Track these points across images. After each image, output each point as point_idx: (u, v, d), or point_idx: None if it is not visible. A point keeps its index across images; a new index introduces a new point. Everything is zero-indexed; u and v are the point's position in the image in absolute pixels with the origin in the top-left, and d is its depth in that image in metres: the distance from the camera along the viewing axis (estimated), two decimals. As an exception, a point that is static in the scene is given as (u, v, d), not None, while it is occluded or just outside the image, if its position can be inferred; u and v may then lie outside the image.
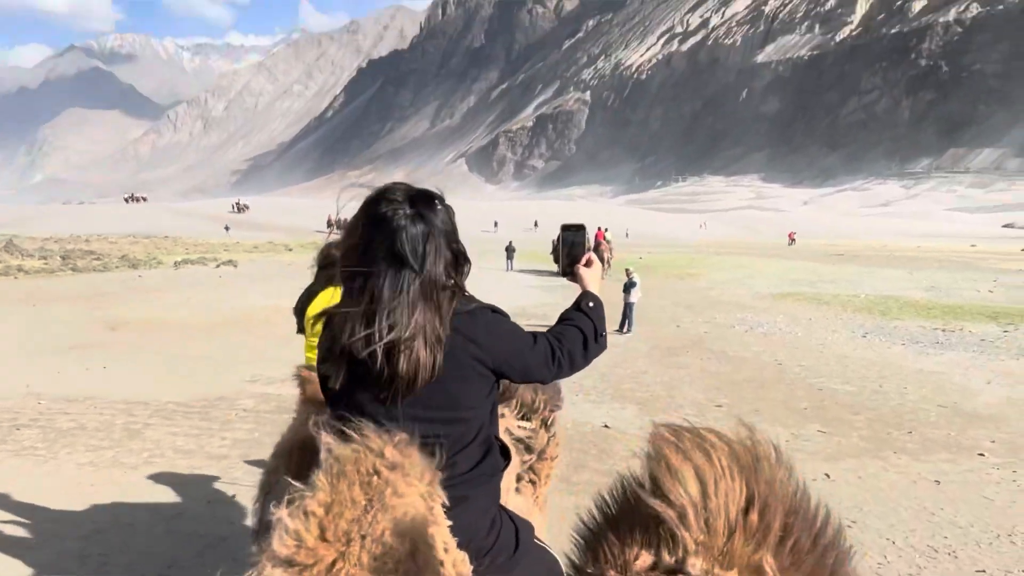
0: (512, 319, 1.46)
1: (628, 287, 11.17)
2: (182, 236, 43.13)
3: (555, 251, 23.40)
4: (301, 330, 3.33)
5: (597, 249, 20.57)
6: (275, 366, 7.42)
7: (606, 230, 27.33)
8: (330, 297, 3.20)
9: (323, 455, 1.19)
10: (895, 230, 66.10)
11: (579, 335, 1.55)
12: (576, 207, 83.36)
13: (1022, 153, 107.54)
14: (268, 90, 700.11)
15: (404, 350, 1.26)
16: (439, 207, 1.33)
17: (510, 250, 25.70)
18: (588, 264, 1.72)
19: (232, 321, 11.17)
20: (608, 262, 20.19)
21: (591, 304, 1.61)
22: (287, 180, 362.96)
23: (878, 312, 12.72)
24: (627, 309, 11.01)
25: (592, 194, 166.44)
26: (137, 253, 28.30)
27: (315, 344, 2.86)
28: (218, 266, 22.75)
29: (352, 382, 1.35)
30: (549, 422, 2.07)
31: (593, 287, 1.68)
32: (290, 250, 31.44)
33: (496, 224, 56.07)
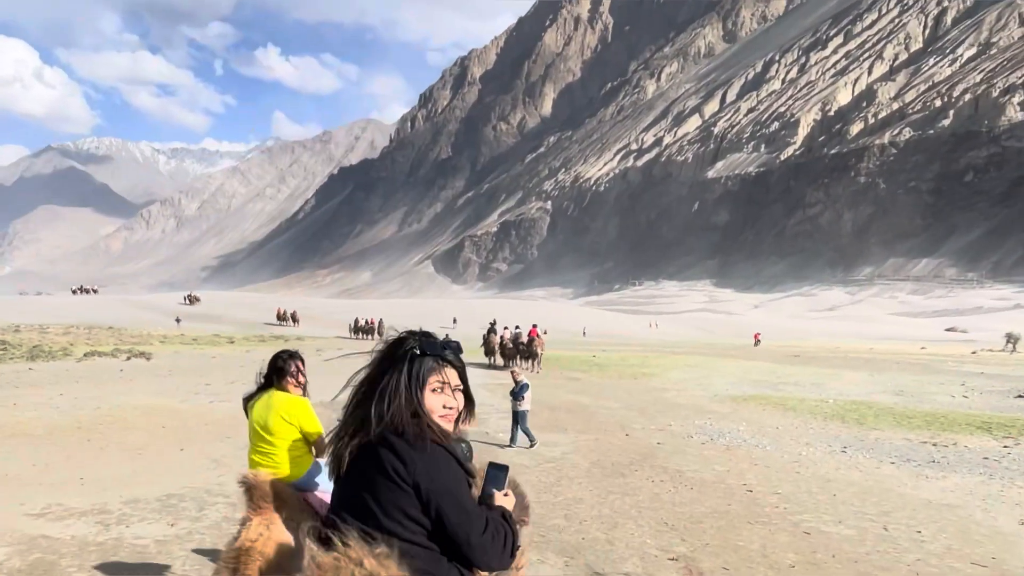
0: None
1: (516, 393, 9.26)
2: (128, 327, 42.03)
3: (486, 343, 23.92)
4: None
5: (531, 345, 21.49)
6: (82, 491, 6.07)
7: (544, 332, 28.42)
8: (267, 400, 3.29)
9: (306, 561, 1.23)
10: (843, 332, 66.77)
11: (504, 536, 1.65)
12: (537, 307, 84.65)
13: (958, 262, 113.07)
14: (241, 192, 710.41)
15: None
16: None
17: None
18: (505, 495, 1.85)
19: (79, 426, 9.75)
20: (539, 356, 21.28)
21: (510, 517, 1.73)
22: (257, 277, 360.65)
23: (852, 421, 11.46)
24: (516, 419, 9.12)
25: (553, 295, 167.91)
26: (53, 345, 26.67)
27: (260, 447, 3.19)
28: (128, 359, 21.75)
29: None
30: None
31: (505, 506, 1.80)
32: (231, 342, 31.18)
33: (455, 320, 55.89)
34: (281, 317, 52.76)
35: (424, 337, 1.83)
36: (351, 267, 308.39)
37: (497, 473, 1.89)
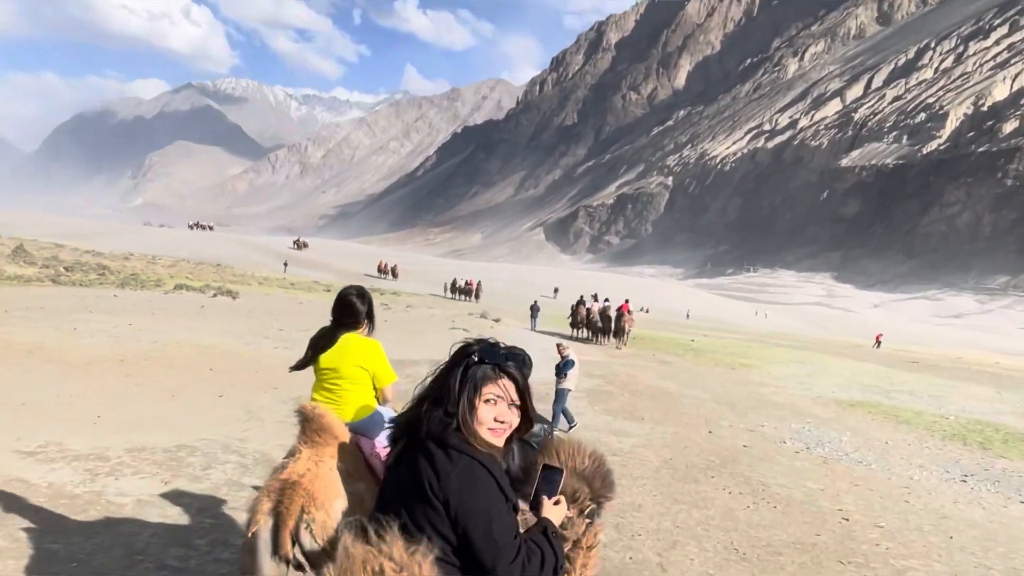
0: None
1: (560, 369, 8.72)
2: (235, 266, 42.60)
3: (573, 315, 23.33)
4: (306, 364, 3.27)
5: (619, 320, 20.89)
6: (90, 432, 5.92)
7: (645, 310, 25.34)
8: (340, 345, 3.18)
9: (339, 550, 1.33)
10: (969, 342, 62.64)
11: (541, 558, 1.64)
12: (643, 284, 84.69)
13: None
14: (365, 144, 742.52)
15: None
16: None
17: (535, 309, 25.68)
18: (556, 503, 1.86)
19: (123, 359, 9.59)
20: (627, 333, 21.04)
21: (555, 534, 1.73)
22: (371, 230, 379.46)
23: (975, 443, 9.90)
24: (558, 397, 8.52)
25: (662, 274, 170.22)
26: (151, 275, 27.41)
27: (326, 385, 3.20)
28: (215, 296, 21.48)
29: None
30: (587, 511, 2.09)
31: (554, 520, 1.81)
32: (327, 290, 31.05)
33: (556, 290, 54.05)
34: (381, 270, 52.65)
35: (488, 345, 1.78)
36: (463, 228, 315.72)
37: (551, 476, 1.89)
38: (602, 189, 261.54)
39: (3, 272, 20.97)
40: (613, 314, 21.40)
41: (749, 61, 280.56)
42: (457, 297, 42.65)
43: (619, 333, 21.01)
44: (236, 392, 8.31)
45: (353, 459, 2.59)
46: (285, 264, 48.05)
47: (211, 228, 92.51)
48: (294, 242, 71.36)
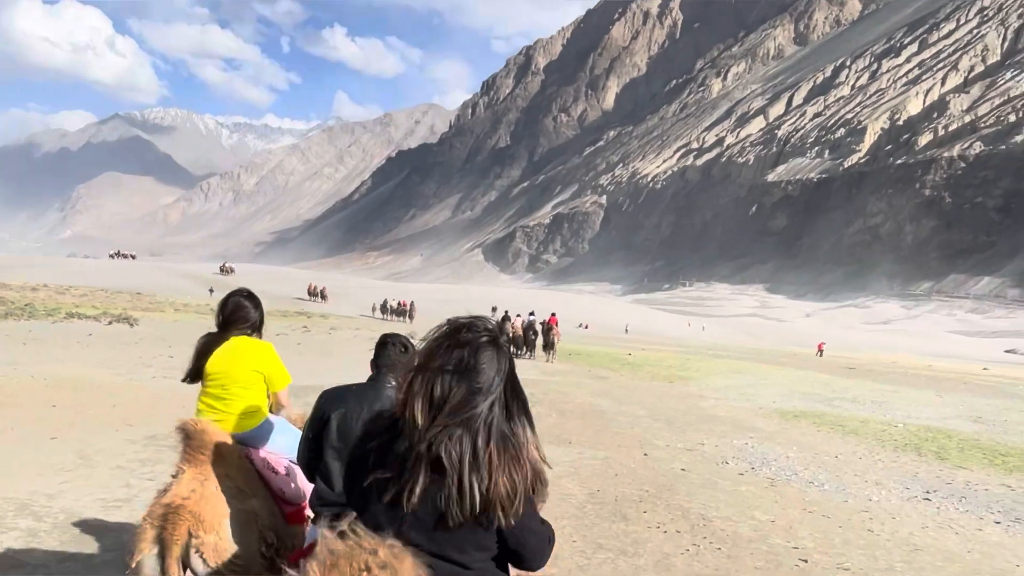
0: None
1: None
2: (156, 294, 41.10)
3: (512, 339, 23.03)
4: (195, 378, 2.97)
5: (548, 334, 20.83)
6: None
7: (584, 326, 28.06)
8: (230, 348, 2.91)
9: (319, 547, 1.26)
10: (898, 346, 63.88)
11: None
12: (582, 300, 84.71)
13: (1021, 283, 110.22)
14: (300, 170, 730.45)
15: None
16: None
17: None
18: None
19: None
20: (554, 345, 20.86)
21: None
22: (308, 255, 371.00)
23: (931, 453, 9.04)
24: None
25: (601, 290, 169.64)
26: (48, 304, 25.60)
27: (212, 391, 2.82)
28: (109, 323, 20.34)
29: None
30: None
31: None
32: None
33: (494, 309, 53.21)
34: (312, 292, 52.54)
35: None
36: (401, 250, 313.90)
37: None
38: (538, 209, 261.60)
39: None
40: (540, 327, 21.44)
41: (674, 82, 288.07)
42: (388, 318, 41.74)
43: (548, 346, 20.92)
44: (76, 432, 7.25)
45: (243, 473, 2.48)
46: (211, 290, 46.86)
47: (133, 257, 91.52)
48: (220, 267, 71.05)
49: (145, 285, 47.16)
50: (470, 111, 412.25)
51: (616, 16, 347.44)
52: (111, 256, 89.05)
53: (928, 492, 6.99)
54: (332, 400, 2.45)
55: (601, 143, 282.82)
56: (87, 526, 4.45)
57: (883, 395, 16.24)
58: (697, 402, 13.22)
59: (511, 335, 21.56)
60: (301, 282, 62.11)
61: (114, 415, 8.14)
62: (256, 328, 3.08)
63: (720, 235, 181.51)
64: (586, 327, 49.56)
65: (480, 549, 1.50)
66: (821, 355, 40.21)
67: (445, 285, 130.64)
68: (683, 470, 7.37)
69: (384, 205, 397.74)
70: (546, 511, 3.95)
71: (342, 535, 1.28)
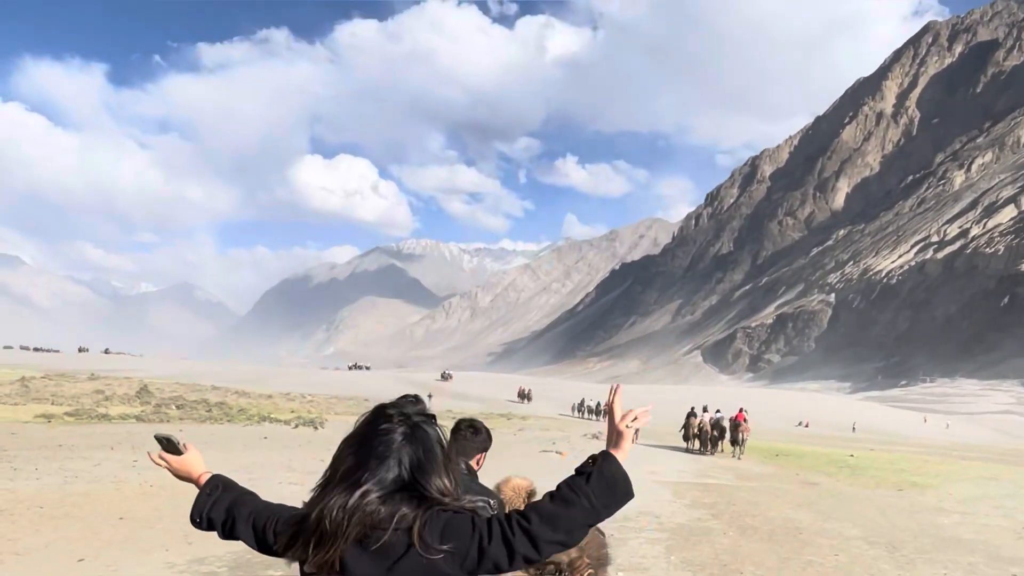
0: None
1: None
2: (381, 399, 50.53)
3: (685, 426, 23.17)
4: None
5: (736, 430, 20.36)
6: None
7: (804, 424, 30.48)
8: None
9: None
10: None
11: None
12: (803, 397, 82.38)
13: None
14: (530, 287, 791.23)
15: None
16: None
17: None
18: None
19: (37, 504, 8.18)
20: (743, 442, 20.53)
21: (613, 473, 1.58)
22: (533, 363, 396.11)
23: None
24: None
25: (828, 388, 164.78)
26: (261, 408, 26.42)
27: None
28: (295, 426, 20.74)
29: None
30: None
31: (625, 448, 1.72)
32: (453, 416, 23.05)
33: (705, 408, 47.65)
34: (520, 394, 56.04)
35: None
36: (620, 355, 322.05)
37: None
38: (760, 311, 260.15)
39: (97, 410, 20.55)
40: (727, 424, 21.15)
41: (911, 178, 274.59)
42: (586, 417, 41.43)
43: (735, 442, 20.68)
44: (112, 552, 6.42)
45: None
46: (429, 396, 47.24)
47: (367, 368, 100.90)
48: (440, 375, 75.96)
49: (373, 392, 49.17)
50: (693, 222, 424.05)
51: (847, 120, 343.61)
52: (348, 368, 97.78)
53: None
54: None
55: (829, 242, 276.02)
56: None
57: None
58: (934, 518, 10.50)
59: (696, 431, 22.00)
60: (513, 386, 63.79)
61: (172, 531, 7.10)
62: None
63: (966, 328, 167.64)
64: (806, 425, 47.37)
65: None
66: None
67: (665, 386, 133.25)
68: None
69: (606, 314, 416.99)
70: None
71: None
